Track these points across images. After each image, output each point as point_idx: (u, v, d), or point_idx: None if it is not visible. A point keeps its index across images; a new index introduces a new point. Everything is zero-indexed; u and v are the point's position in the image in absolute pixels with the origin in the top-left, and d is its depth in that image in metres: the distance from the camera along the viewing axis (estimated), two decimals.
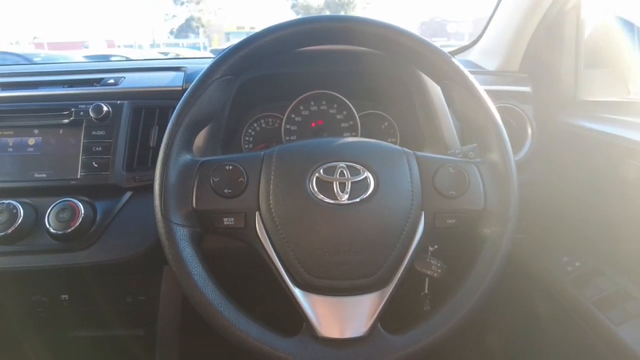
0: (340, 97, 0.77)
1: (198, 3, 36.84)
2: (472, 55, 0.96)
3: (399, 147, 0.51)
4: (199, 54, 10.80)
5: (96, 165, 0.64)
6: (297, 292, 0.46)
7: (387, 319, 0.47)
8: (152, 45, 21.96)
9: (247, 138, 0.81)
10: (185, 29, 36.28)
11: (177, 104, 0.67)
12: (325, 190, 0.46)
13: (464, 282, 0.48)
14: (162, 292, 0.74)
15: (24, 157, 0.66)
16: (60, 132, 0.66)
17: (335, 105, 0.80)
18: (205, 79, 0.49)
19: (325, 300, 0.46)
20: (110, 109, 0.64)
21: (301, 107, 0.79)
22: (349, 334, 0.45)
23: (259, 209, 0.47)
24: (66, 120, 0.65)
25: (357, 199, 0.46)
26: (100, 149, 0.64)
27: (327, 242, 0.46)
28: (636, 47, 0.76)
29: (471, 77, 0.51)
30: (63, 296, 0.76)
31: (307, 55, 0.69)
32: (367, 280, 0.46)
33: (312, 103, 0.80)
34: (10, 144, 0.66)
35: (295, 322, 0.47)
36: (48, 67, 0.82)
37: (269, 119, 0.81)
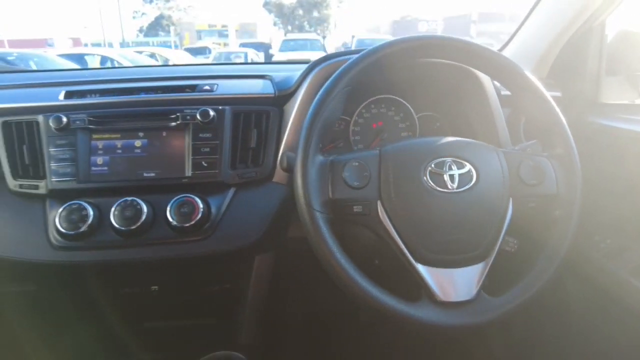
0: (401, 100, 0.87)
1: (168, 1, 36.10)
2: None
3: (489, 145, 0.62)
4: (178, 53, 10.68)
5: (205, 165, 0.71)
6: (419, 266, 0.56)
7: (487, 285, 0.58)
8: (122, 44, 21.39)
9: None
10: (155, 27, 35.49)
11: (271, 109, 0.76)
12: (437, 181, 0.57)
13: (541, 254, 0.59)
14: (253, 280, 0.82)
15: (131, 158, 0.73)
16: (164, 134, 0.73)
17: (393, 108, 0.90)
18: (330, 90, 0.58)
19: (441, 271, 0.56)
20: (215, 113, 0.72)
21: (363, 111, 0.89)
22: (461, 297, 0.55)
23: (380, 199, 0.57)
24: (173, 124, 0.72)
25: (464, 188, 0.57)
26: (208, 149, 0.72)
27: (441, 224, 0.56)
28: None
29: (542, 87, 0.62)
30: (153, 287, 0.83)
31: None
32: (473, 254, 0.57)
33: (373, 107, 0.89)
34: (119, 146, 0.73)
35: (402, 292, 0.57)
36: (141, 73, 0.88)
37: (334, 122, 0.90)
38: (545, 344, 1.01)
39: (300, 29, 32.30)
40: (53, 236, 0.67)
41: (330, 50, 17.38)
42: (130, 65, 7.44)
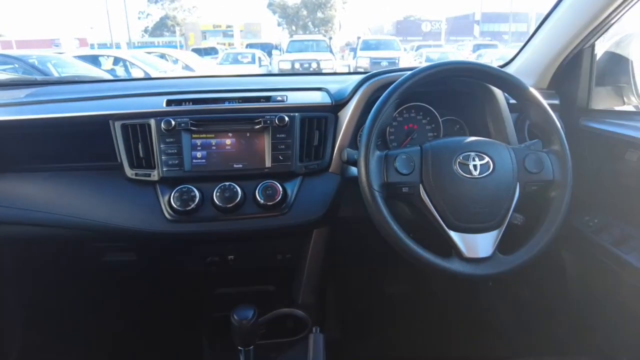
0: (429, 107, 1.08)
1: (173, 1, 36.39)
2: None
3: (502, 143, 0.82)
4: (186, 53, 10.91)
5: (281, 158, 0.92)
6: (450, 232, 0.76)
7: (500, 247, 0.78)
8: (128, 44, 21.65)
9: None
10: (160, 27, 35.79)
11: (329, 115, 0.97)
12: (464, 169, 0.77)
13: (542, 224, 0.80)
14: (310, 251, 1.03)
15: (223, 153, 0.94)
16: (248, 134, 0.94)
17: (421, 113, 1.10)
18: (385, 102, 0.79)
19: (466, 236, 0.77)
20: (288, 118, 0.93)
21: (397, 115, 1.10)
22: (481, 255, 0.76)
23: (422, 182, 0.78)
24: (257, 127, 0.93)
25: (484, 175, 0.77)
26: (283, 146, 0.93)
27: (466, 201, 0.77)
28: (629, 72, 1.10)
29: (542, 99, 0.83)
30: (230, 257, 1.04)
31: None
32: (490, 223, 0.77)
33: (405, 112, 1.10)
34: (213, 144, 0.94)
35: (437, 251, 0.78)
36: (219, 84, 1.09)
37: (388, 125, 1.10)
38: (547, 301, 1.22)
39: (304, 29, 32.43)
40: (167, 212, 0.88)
41: (336, 50, 17.58)
42: (142, 64, 7.69)
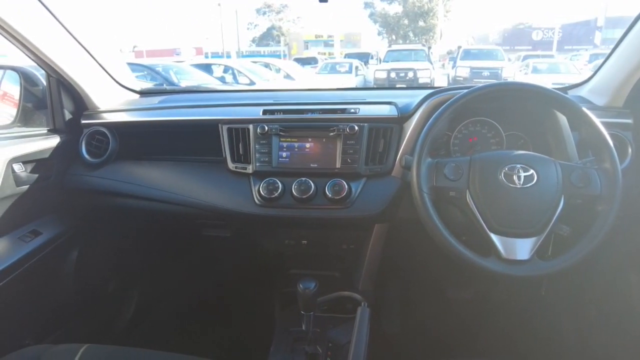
0: (493, 122, 1.16)
1: (279, 12, 38.69)
2: (583, 92, 1.30)
3: (549, 157, 0.89)
4: (288, 63, 11.63)
5: (349, 161, 1.09)
6: (491, 234, 0.86)
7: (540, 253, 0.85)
8: (238, 54, 23.59)
9: None
10: (266, 37, 38.26)
11: (394, 126, 1.11)
12: (509, 179, 0.86)
13: (586, 235, 0.85)
14: (371, 243, 1.18)
15: (303, 154, 1.13)
16: (324, 140, 1.12)
17: (486, 127, 1.18)
18: (439, 117, 0.91)
19: (506, 239, 0.85)
20: (357, 128, 1.09)
21: (462, 128, 1.19)
22: (519, 257, 0.84)
23: (468, 188, 0.88)
24: (332, 134, 1.11)
25: (527, 185, 0.85)
26: (351, 151, 1.09)
27: (509, 207, 0.85)
28: None
29: (594, 118, 0.88)
30: (303, 241, 1.23)
31: None
32: (530, 230, 0.85)
33: (471, 125, 1.19)
34: (296, 146, 1.14)
35: (478, 251, 0.87)
36: (306, 97, 1.30)
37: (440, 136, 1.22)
38: (613, 320, 1.22)
39: (405, 38, 32.18)
40: (257, 198, 1.10)
41: (435, 59, 17.26)
42: (248, 73, 8.46)
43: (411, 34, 32.87)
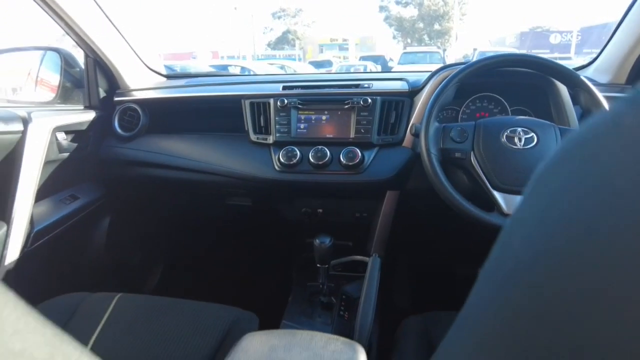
0: (499, 97, 1.23)
1: (294, 16, 39.06)
2: (589, 72, 1.36)
3: (550, 122, 0.96)
4: (303, 66, 11.76)
5: (363, 131, 1.17)
6: (494, 192, 0.93)
7: None
8: (253, 57, 23.88)
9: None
10: (282, 41, 38.65)
11: (405, 99, 1.18)
12: (510, 141, 0.93)
13: None
14: (382, 211, 1.25)
15: (320, 125, 1.21)
16: (339, 112, 1.21)
17: (492, 103, 1.25)
18: (445, 87, 0.98)
19: (507, 196, 0.92)
20: (370, 100, 1.17)
21: (470, 104, 1.26)
22: None
23: (472, 150, 0.95)
24: (346, 106, 1.19)
25: (527, 147, 0.92)
26: (365, 122, 1.17)
27: (510, 167, 0.92)
28: None
29: (592, 86, 0.94)
30: (319, 210, 1.31)
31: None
32: None
33: (477, 101, 1.26)
34: (313, 118, 1.22)
35: (481, 207, 0.94)
36: (322, 77, 1.39)
37: (449, 110, 1.29)
38: None
39: (420, 42, 32.12)
40: (276, 165, 1.18)
41: (450, 62, 17.22)
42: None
43: (426, 37, 32.82)
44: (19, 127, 1.06)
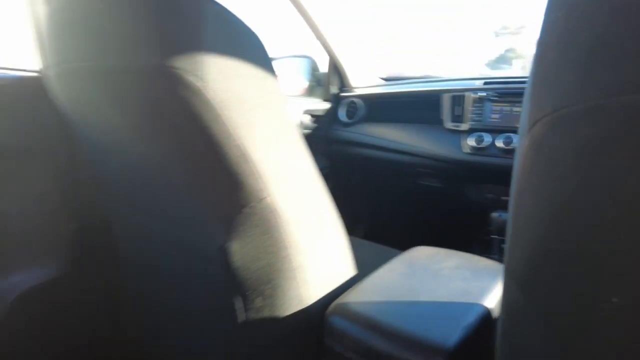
0: None
1: (516, 34, 36.30)
2: None
3: None
4: None
5: None
6: None
7: None
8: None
9: None
10: (499, 60, 36.47)
11: None
12: None
13: None
14: None
15: (511, 116, 1.33)
16: None
17: None
18: None
19: None
20: None
21: None
22: None
23: None
24: None
25: None
26: None
27: None
28: None
29: None
30: (503, 197, 1.42)
31: None
32: None
33: None
34: (505, 109, 1.35)
35: None
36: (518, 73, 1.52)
37: None
38: None
39: None
40: (467, 149, 1.37)
41: None
42: None
43: None
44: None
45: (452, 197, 1.65)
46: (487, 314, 0.60)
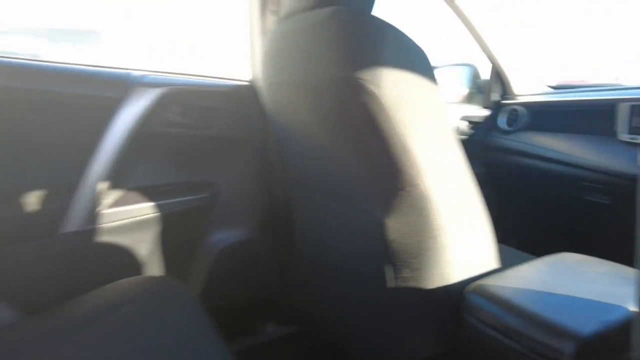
0: None
1: None
2: None
3: None
4: None
5: None
6: None
7: None
8: None
9: None
10: None
11: None
12: None
13: None
14: None
15: None
16: None
17: None
18: None
19: None
20: None
21: None
22: None
23: None
24: None
25: None
26: None
27: None
28: None
29: None
30: None
31: None
32: None
33: None
34: None
35: None
36: None
37: None
38: None
39: None
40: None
41: None
42: None
43: None
44: None
45: (621, 216, 1.49)
46: (628, 318, 0.61)
